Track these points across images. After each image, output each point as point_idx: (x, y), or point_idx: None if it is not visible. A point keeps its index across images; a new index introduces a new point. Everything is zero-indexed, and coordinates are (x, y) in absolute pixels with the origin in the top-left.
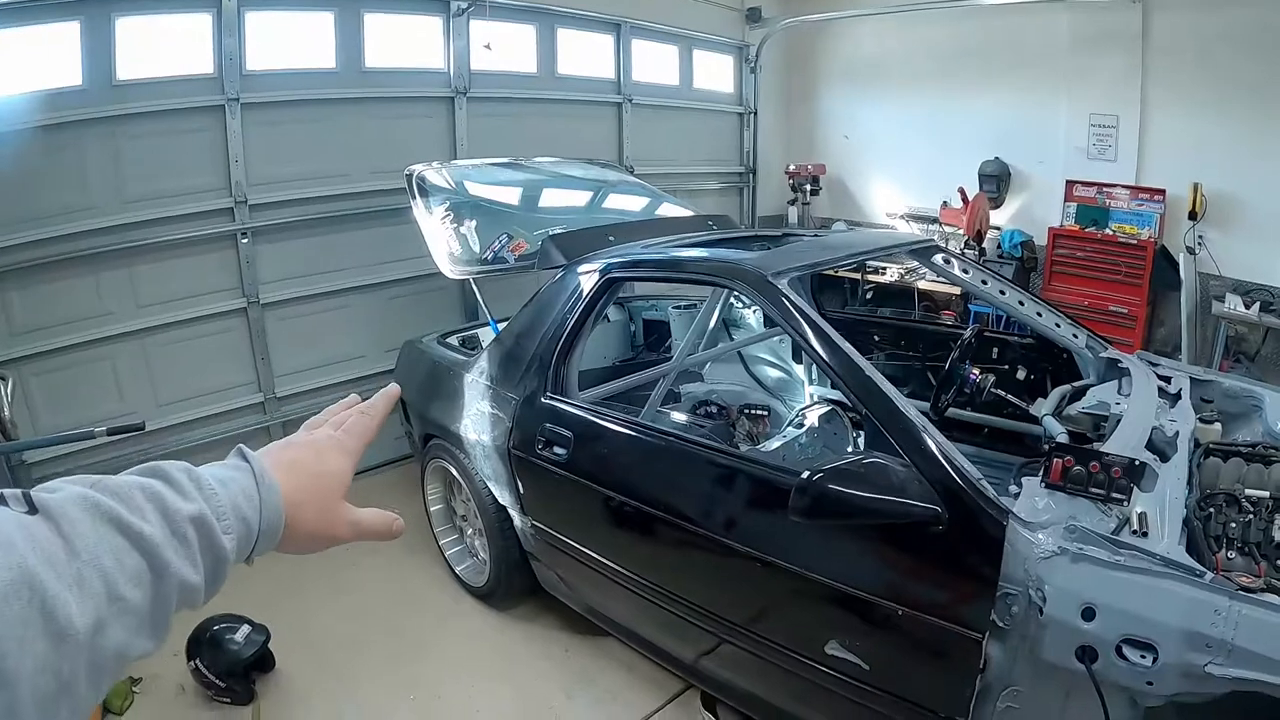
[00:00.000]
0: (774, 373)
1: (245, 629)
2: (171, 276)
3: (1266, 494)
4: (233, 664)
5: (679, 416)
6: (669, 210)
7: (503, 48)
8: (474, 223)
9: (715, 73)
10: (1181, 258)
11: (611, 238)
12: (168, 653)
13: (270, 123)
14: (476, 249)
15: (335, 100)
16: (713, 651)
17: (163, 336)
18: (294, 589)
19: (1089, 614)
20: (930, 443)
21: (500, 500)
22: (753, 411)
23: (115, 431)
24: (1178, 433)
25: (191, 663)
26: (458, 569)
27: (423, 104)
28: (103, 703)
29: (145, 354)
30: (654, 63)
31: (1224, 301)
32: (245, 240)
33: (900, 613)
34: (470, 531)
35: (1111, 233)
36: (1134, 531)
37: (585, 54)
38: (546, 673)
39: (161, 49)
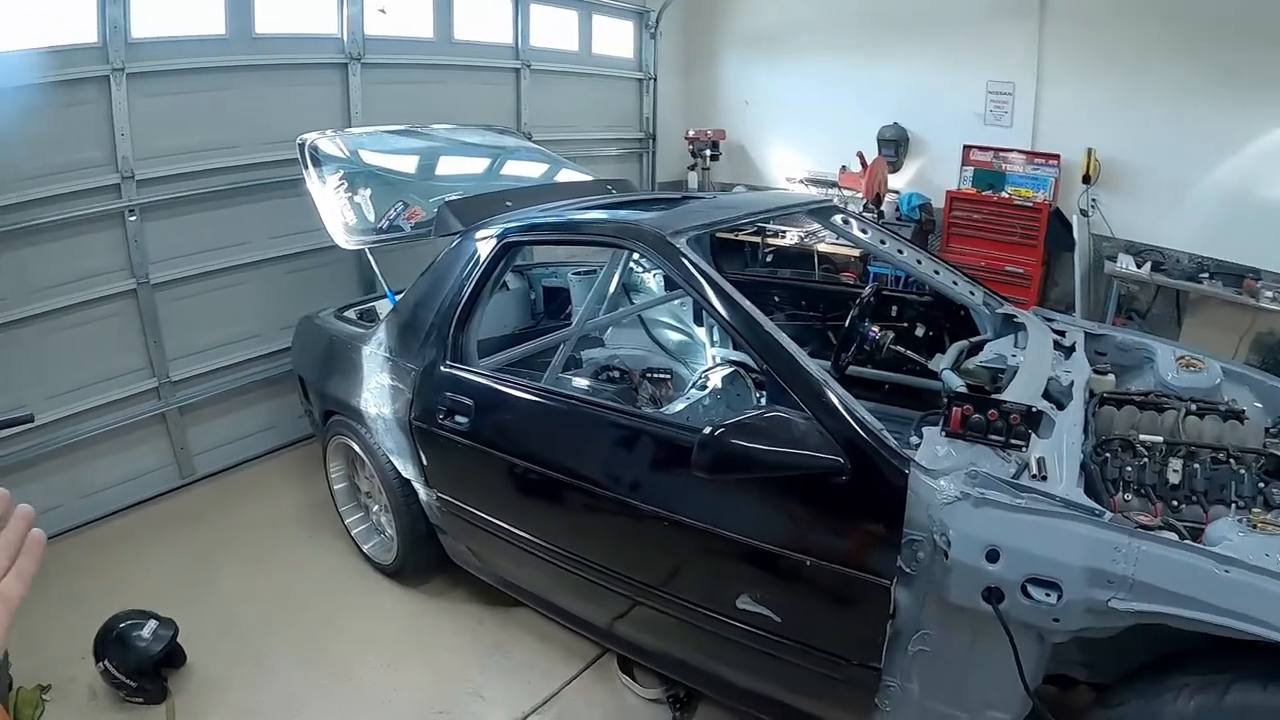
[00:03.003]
0: (676, 336)
1: (152, 624)
2: (55, 259)
3: (1160, 439)
4: (142, 662)
5: (581, 382)
6: (568, 176)
7: (398, 12)
8: (369, 191)
9: (615, 38)
10: (1075, 220)
11: (509, 203)
12: (76, 655)
13: (158, 94)
14: (371, 218)
15: (226, 68)
16: (626, 614)
17: (49, 323)
18: (200, 578)
19: (993, 556)
20: (831, 395)
21: (404, 474)
22: (655, 375)
23: (2, 425)
24: (1073, 383)
25: (100, 664)
26: (365, 547)
27: (316, 71)
28: (13, 714)
29: (31, 342)
30: (553, 28)
31: (1116, 261)
32: (133, 218)
33: (808, 564)
34: (376, 508)
35: (1007, 196)
36: (1033, 475)
37: (483, 19)
38: (460, 647)
39: (41, 19)
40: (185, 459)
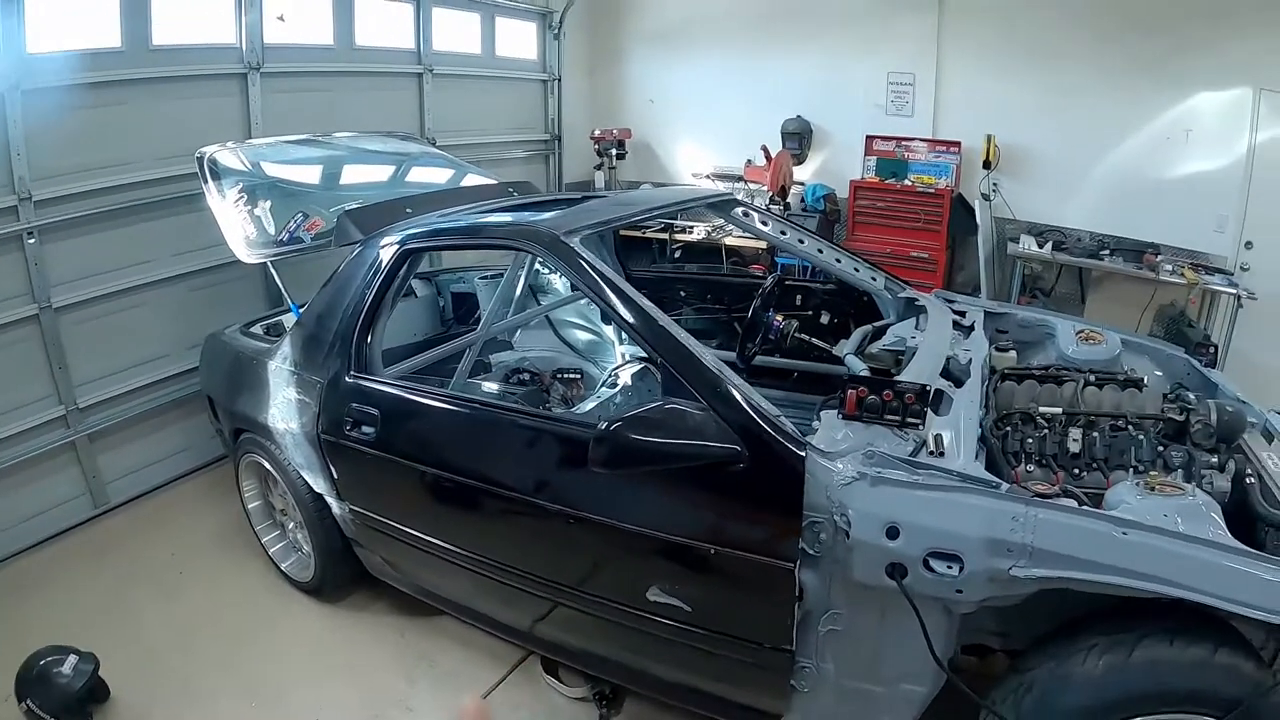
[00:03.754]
0: (584, 335)
1: (72, 659)
2: None
3: (1059, 410)
4: (66, 699)
5: (490, 386)
6: (472, 180)
7: (298, 19)
8: (269, 204)
9: (518, 40)
10: (977, 204)
11: (409, 210)
12: None
13: (54, 109)
14: (272, 231)
15: (123, 81)
16: (546, 616)
17: None
18: (118, 608)
19: (893, 533)
20: (726, 385)
21: (315, 489)
22: (566, 375)
23: None
24: (971, 360)
25: (23, 704)
26: (283, 565)
27: (215, 82)
28: None
29: None
30: (455, 31)
31: (1019, 243)
32: (32, 240)
33: (713, 552)
34: (291, 525)
35: (910, 183)
36: (931, 452)
37: (384, 24)
38: (385, 661)
39: None
40: (98, 487)
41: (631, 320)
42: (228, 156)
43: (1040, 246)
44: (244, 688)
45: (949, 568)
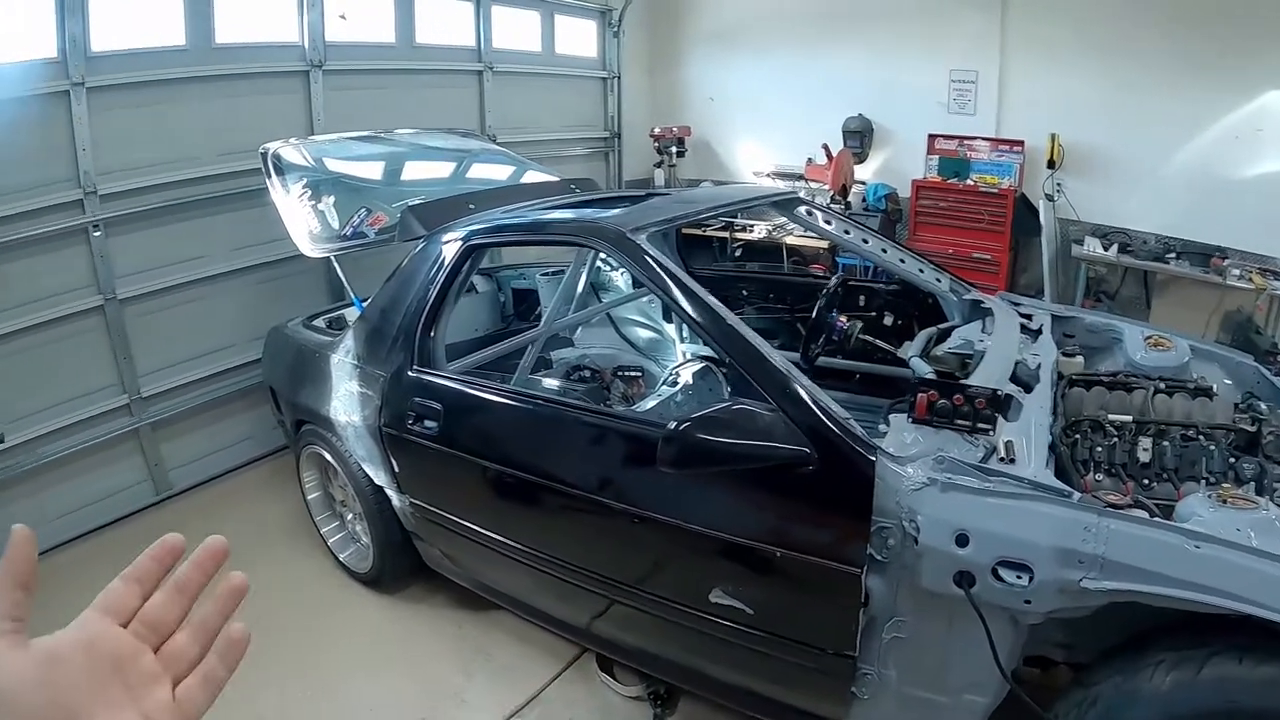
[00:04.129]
0: (645, 333)
1: None
2: (20, 278)
3: (1129, 418)
4: None
5: (551, 382)
6: (533, 177)
7: (359, 18)
8: (332, 199)
9: (578, 38)
10: (1041, 205)
11: (472, 206)
12: None
13: (119, 107)
14: (336, 225)
15: (187, 79)
16: (603, 613)
17: (16, 343)
18: None
19: (963, 540)
20: (796, 386)
21: (376, 481)
22: (626, 373)
23: None
24: (1040, 365)
25: None
26: (341, 556)
27: (278, 79)
28: None
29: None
30: (515, 29)
31: (1083, 245)
32: (98, 234)
33: (779, 555)
34: (350, 517)
35: (973, 183)
36: (1001, 459)
37: (445, 22)
38: (441, 653)
39: None
40: (160, 475)
41: (699, 319)
42: (291, 152)
43: (1105, 249)
44: (299, 676)
45: (1018, 577)
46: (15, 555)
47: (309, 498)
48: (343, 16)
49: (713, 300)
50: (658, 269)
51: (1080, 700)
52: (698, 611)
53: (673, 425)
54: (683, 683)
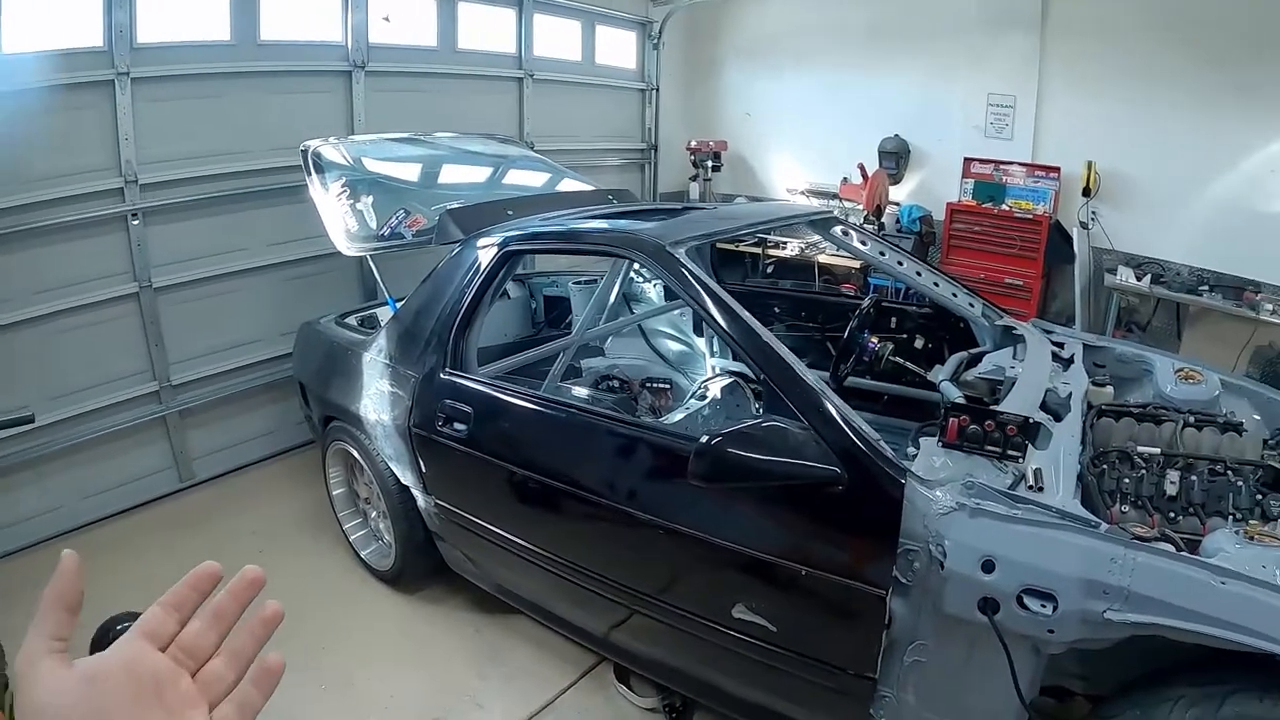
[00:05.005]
0: (675, 346)
1: None
2: (59, 262)
3: (1158, 450)
4: None
5: (580, 391)
6: (569, 185)
7: (402, 21)
8: (371, 199)
9: (618, 49)
10: (1075, 232)
11: (510, 212)
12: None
13: (162, 98)
14: (373, 225)
15: (230, 74)
16: (623, 623)
17: (52, 325)
18: None
19: (989, 566)
20: (828, 406)
21: (403, 480)
22: (655, 385)
23: (3, 425)
24: (1071, 394)
25: None
26: (363, 553)
27: (320, 78)
28: (9, 716)
29: (34, 344)
30: (556, 38)
31: (1116, 274)
32: (136, 222)
33: (804, 573)
34: (374, 514)
35: (1008, 208)
36: (1030, 487)
37: (487, 28)
38: (457, 654)
39: (47, 21)
40: (185, 463)
41: (734, 334)
42: (331, 151)
43: (1138, 279)
44: (315, 671)
45: (1042, 606)
46: (63, 579)
47: (333, 493)
48: (386, 19)
49: (748, 316)
50: (695, 283)
51: None
52: (719, 626)
53: (705, 439)
54: (699, 696)
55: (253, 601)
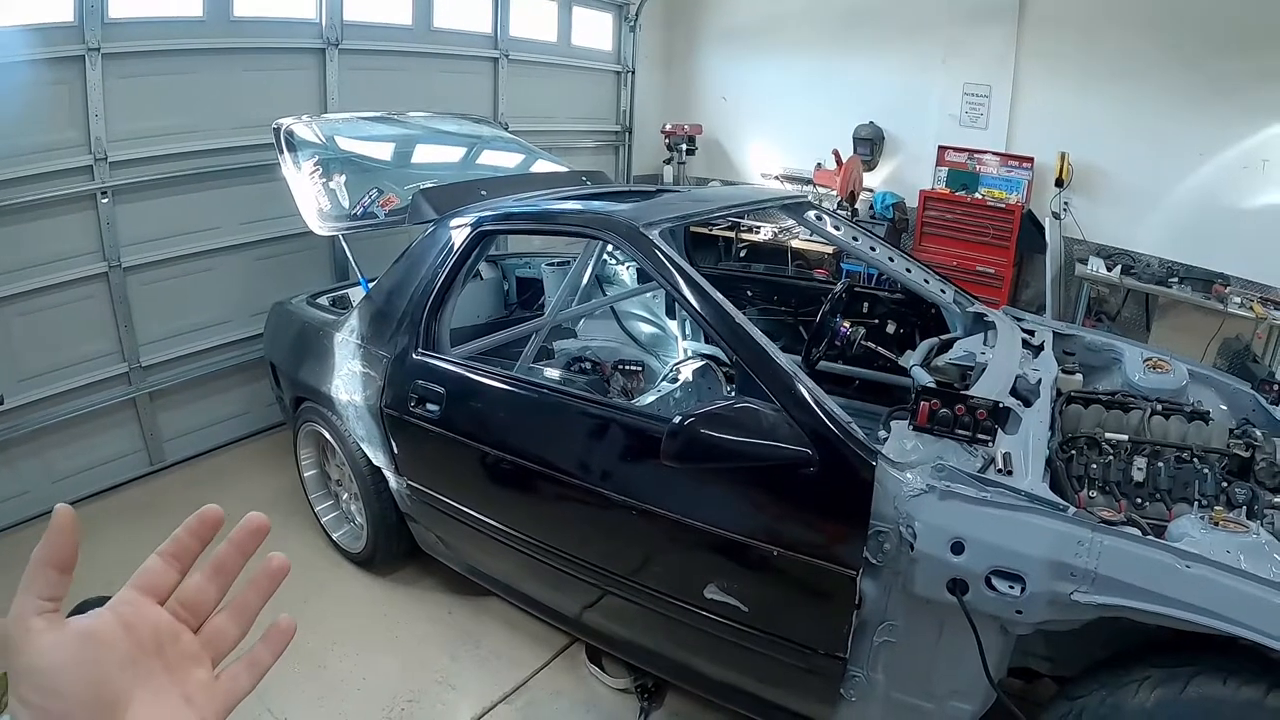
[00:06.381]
0: (648, 329)
1: None
2: (27, 241)
3: (1125, 437)
4: None
5: (553, 372)
6: (543, 166)
7: None
8: (344, 178)
9: (594, 30)
10: (1048, 222)
11: (484, 192)
12: None
13: (133, 75)
14: (346, 204)
15: (202, 51)
16: (595, 604)
17: (20, 305)
18: None
19: (958, 548)
20: (800, 388)
21: (374, 462)
22: (627, 367)
23: None
24: (1040, 380)
25: None
26: (334, 535)
27: (293, 55)
28: None
29: (1, 324)
30: (532, 18)
31: (1087, 264)
32: (105, 200)
33: (776, 554)
34: (346, 496)
35: (981, 197)
36: (999, 470)
37: (462, 7)
38: (430, 636)
39: None
40: (155, 445)
41: (708, 316)
42: (304, 129)
43: (1109, 269)
44: (287, 653)
45: (1011, 587)
46: (55, 536)
47: (304, 475)
48: None
49: (722, 299)
50: (669, 265)
51: (1065, 713)
52: (691, 606)
53: (678, 420)
54: (671, 677)
55: (256, 552)
